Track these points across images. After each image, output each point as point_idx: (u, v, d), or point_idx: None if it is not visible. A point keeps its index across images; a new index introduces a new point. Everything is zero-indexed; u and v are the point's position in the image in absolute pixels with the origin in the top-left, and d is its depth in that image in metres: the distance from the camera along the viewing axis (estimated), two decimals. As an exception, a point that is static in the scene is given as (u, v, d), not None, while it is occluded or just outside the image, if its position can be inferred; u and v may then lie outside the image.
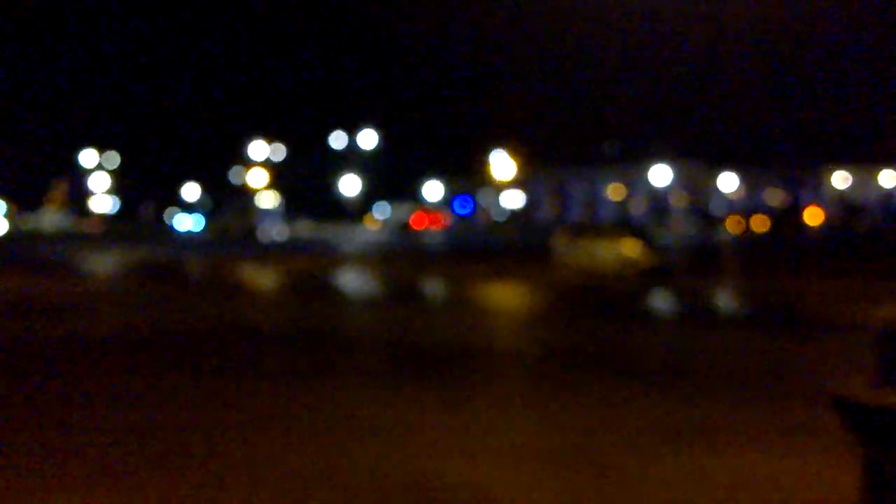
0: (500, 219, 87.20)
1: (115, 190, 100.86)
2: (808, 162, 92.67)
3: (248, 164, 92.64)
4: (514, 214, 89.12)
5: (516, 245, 53.49)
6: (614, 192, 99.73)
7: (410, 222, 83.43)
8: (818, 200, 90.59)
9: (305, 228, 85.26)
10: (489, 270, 34.78)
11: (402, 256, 44.60)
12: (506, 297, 26.89)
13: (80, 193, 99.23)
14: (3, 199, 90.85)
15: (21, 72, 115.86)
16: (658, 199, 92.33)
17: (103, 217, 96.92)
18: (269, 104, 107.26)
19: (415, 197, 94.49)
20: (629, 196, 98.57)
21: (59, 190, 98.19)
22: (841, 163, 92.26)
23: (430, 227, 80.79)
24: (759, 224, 71.40)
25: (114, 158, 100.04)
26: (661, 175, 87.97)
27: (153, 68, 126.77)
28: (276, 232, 76.44)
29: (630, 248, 35.07)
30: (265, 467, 8.14)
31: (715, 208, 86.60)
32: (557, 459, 8.49)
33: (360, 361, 14.66)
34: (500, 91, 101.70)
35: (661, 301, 24.91)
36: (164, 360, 14.28)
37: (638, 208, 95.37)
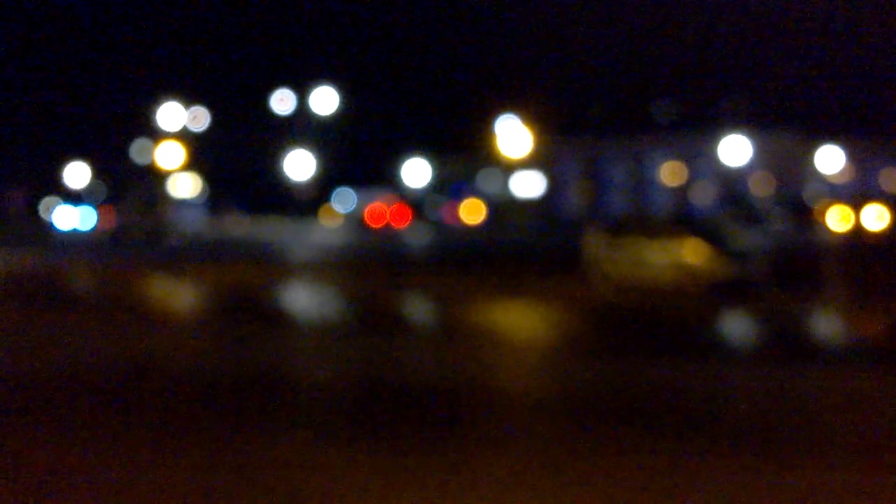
0: (509, 210, 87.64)
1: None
2: None
3: (156, 136, 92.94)
4: (530, 204, 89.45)
5: (533, 247, 53.63)
6: (670, 173, 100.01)
7: (366, 217, 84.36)
8: None
9: (237, 224, 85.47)
10: (496, 283, 34.89)
11: (374, 264, 44.76)
12: (519, 321, 27.02)
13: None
14: None
15: None
16: (732, 184, 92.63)
17: None
18: (185, 55, 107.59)
19: (391, 182, 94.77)
20: (691, 179, 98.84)
21: None
22: None
23: (393, 225, 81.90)
24: (874, 218, 71.60)
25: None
26: (736, 150, 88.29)
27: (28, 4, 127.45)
28: (194, 229, 76.64)
29: (693, 253, 35.01)
30: None
31: (812, 196, 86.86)
32: None
33: (313, 412, 15.00)
34: (509, 35, 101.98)
35: (737, 328, 25.04)
36: (30, 417, 14.46)
37: (703, 196, 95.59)
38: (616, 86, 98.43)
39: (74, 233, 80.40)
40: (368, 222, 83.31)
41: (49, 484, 11.06)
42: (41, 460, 11.96)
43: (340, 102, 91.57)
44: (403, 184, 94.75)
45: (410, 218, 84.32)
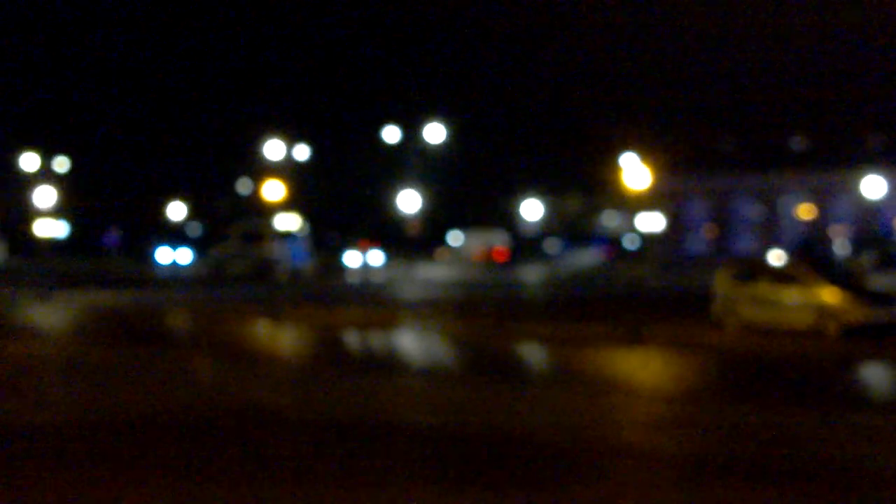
0: (631, 249, 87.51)
1: (66, 207, 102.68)
2: None
3: (261, 171, 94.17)
4: (652, 242, 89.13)
5: (655, 290, 53.43)
6: (804, 211, 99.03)
7: (476, 255, 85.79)
8: None
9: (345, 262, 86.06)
10: (616, 329, 34.85)
11: (485, 304, 44.80)
12: (642, 370, 26.93)
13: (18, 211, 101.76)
14: None
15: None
16: (870, 222, 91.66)
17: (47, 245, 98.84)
18: (287, 89, 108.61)
19: (505, 221, 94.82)
20: (826, 217, 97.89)
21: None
22: None
23: (498, 260, 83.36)
24: None
25: (63, 164, 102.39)
26: (874, 187, 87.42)
27: (125, 45, 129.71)
28: (299, 266, 77.23)
29: (829, 295, 34.71)
30: None
31: None
32: None
33: (428, 460, 15.00)
34: (627, 65, 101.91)
35: (877, 374, 24.94)
36: (136, 460, 14.64)
37: (840, 235, 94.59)
38: (747, 120, 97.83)
39: (174, 268, 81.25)
40: (478, 259, 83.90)
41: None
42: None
43: (450, 137, 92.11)
44: (518, 221, 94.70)
45: (511, 255, 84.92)
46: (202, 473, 13.74)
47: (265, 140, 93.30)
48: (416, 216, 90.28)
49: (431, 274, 75.33)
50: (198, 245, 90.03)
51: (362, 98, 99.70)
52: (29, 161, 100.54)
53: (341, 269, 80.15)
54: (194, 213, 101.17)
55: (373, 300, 48.48)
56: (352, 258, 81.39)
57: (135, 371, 24.46)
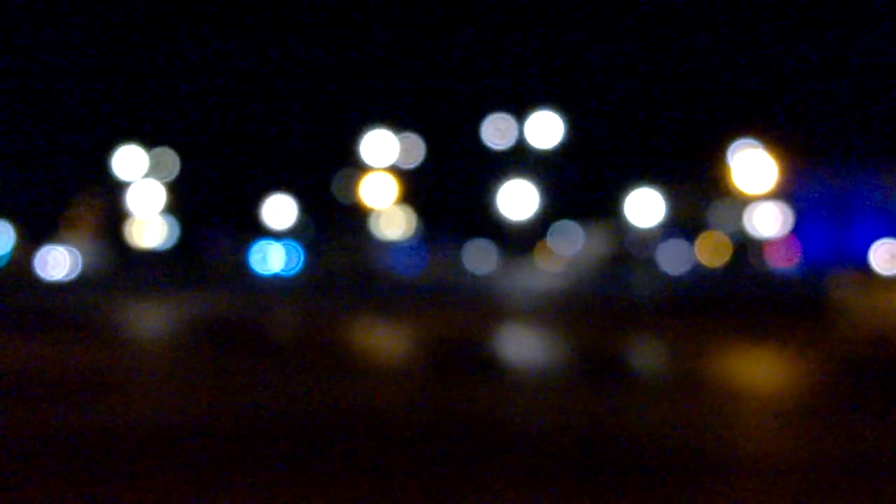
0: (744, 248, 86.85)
1: (171, 210, 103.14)
2: None
3: (363, 169, 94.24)
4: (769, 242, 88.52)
5: (775, 289, 53.16)
6: None
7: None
8: None
9: (451, 264, 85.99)
10: (735, 329, 34.83)
11: (600, 310, 44.82)
12: (760, 372, 26.97)
13: (115, 213, 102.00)
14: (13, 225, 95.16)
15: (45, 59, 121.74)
16: None
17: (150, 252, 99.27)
18: (393, 82, 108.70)
19: (616, 216, 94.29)
20: None
21: (87, 208, 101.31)
22: None
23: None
24: None
25: (168, 161, 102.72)
26: None
27: (223, 39, 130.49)
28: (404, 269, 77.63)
29: None
30: None
31: None
32: None
33: (532, 464, 15.02)
34: (743, 53, 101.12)
35: None
36: (247, 461, 14.82)
37: None
38: (868, 116, 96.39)
39: (280, 272, 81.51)
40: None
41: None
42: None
43: (565, 131, 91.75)
44: (629, 218, 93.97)
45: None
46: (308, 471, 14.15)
47: (370, 134, 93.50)
48: (528, 217, 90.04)
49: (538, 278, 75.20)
50: (305, 249, 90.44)
51: (470, 92, 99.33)
52: (127, 161, 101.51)
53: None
54: (301, 217, 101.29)
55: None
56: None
57: (247, 375, 24.90)
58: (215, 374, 26.03)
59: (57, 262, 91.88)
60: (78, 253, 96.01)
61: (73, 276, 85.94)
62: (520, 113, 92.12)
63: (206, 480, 13.87)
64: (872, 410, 20.65)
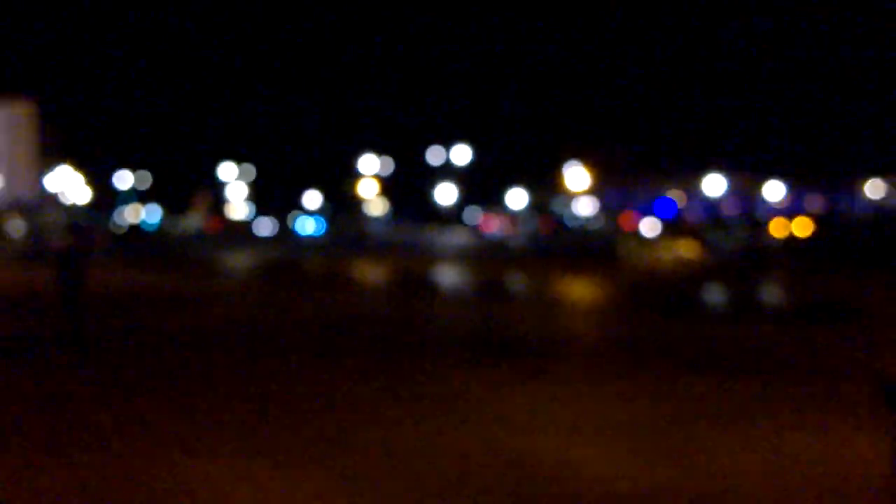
0: (572, 224, 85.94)
1: (251, 198, 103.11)
2: (844, 172, 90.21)
3: (359, 176, 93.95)
4: (587, 220, 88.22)
5: (589, 248, 51.82)
6: (675, 199, 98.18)
7: (480, 226, 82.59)
8: (856, 207, 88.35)
9: (407, 231, 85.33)
10: (567, 267, 34.19)
11: (492, 257, 43.61)
12: (580, 291, 26.37)
13: (219, 201, 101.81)
14: (159, 205, 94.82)
15: (170, 96, 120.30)
16: (712, 207, 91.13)
17: (226, 221, 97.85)
18: (380, 123, 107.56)
19: (501, 204, 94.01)
20: (687, 203, 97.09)
21: (202, 197, 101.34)
22: (877, 173, 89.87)
23: (492, 230, 79.95)
24: (802, 227, 69.77)
25: (250, 171, 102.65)
26: (715, 185, 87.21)
27: (282, 94, 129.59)
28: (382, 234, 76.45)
29: (688, 249, 35.06)
30: (376, 444, 7.87)
31: (761, 214, 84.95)
32: (626, 432, 8.28)
33: (451, 348, 14.32)
34: (580, 113, 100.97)
35: (717, 296, 23.97)
36: (288, 348, 14.13)
37: (694, 214, 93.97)
38: (642, 145, 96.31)
39: (311, 237, 79.39)
40: (481, 228, 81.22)
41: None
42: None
43: (473, 154, 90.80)
44: (507, 206, 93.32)
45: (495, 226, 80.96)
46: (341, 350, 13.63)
47: (364, 158, 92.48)
48: (450, 204, 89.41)
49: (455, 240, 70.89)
50: (327, 221, 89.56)
51: (419, 131, 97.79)
52: (227, 171, 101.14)
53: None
54: (324, 202, 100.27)
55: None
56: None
57: (290, 294, 23.95)
58: (269, 293, 24.92)
59: (183, 227, 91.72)
60: (196, 221, 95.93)
61: (192, 234, 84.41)
62: (448, 144, 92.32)
63: (261, 358, 13.21)
64: (642, 308, 20.37)
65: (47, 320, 16.15)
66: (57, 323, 15.01)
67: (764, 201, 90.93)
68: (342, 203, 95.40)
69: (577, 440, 7.91)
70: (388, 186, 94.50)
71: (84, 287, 14.68)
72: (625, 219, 77.14)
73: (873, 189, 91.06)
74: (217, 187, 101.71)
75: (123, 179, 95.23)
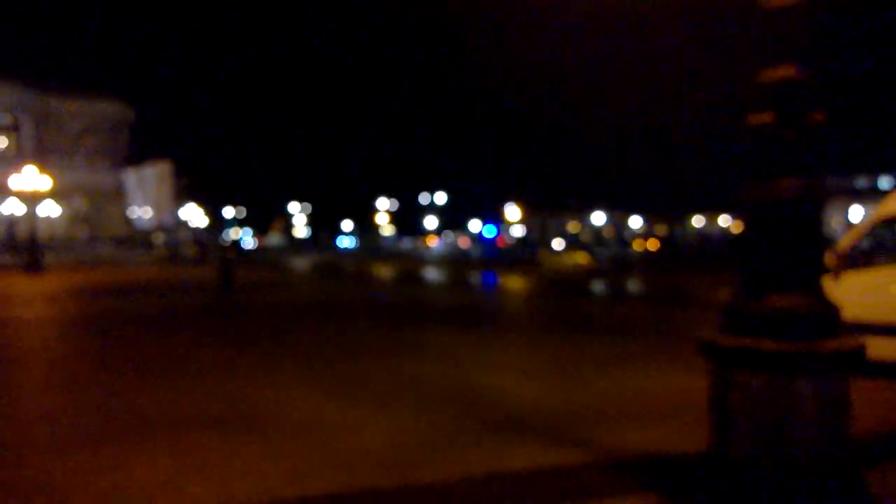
0: (511, 241, 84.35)
1: (309, 223, 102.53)
2: (680, 209, 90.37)
3: (376, 210, 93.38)
4: (519, 240, 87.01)
5: (516, 257, 49.92)
6: (573, 227, 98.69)
7: (427, 240, 78.51)
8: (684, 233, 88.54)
9: (406, 245, 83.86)
10: (508, 269, 32.65)
11: (452, 263, 42.10)
12: (516, 283, 24.21)
13: (288, 225, 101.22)
14: (249, 227, 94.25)
15: (259, 156, 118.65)
16: (597, 232, 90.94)
17: (294, 238, 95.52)
18: (389, 176, 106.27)
19: (466, 229, 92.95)
20: (582, 229, 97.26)
21: (278, 223, 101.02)
22: (700, 210, 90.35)
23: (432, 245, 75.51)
24: (653, 244, 70.37)
25: (307, 207, 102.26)
26: (599, 218, 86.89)
27: (329, 156, 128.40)
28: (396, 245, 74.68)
29: (582, 258, 35.19)
30: (363, 381, 7.27)
31: (627, 235, 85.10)
32: (539, 370, 7.96)
33: (429, 317, 13.39)
34: (516, 172, 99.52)
35: (600, 287, 23.15)
36: (335, 316, 13.16)
37: (587, 237, 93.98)
38: (555, 191, 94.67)
39: (347, 249, 76.19)
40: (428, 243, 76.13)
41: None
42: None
43: (448, 197, 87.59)
44: (469, 230, 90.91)
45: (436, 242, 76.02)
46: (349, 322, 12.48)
47: (378, 200, 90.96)
48: (431, 228, 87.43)
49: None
50: (356, 239, 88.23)
51: (414, 175, 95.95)
52: (293, 206, 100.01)
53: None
54: (354, 227, 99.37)
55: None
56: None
57: (326, 284, 22.18)
58: (324, 282, 23.63)
59: (265, 242, 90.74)
60: (275, 239, 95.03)
61: (270, 247, 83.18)
62: (432, 191, 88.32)
63: (298, 322, 12.31)
64: (551, 299, 18.09)
65: (206, 298, 16.36)
66: (213, 300, 15.75)
67: (629, 227, 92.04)
68: (366, 227, 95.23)
69: (510, 375, 7.66)
70: (395, 217, 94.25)
71: (233, 278, 17.95)
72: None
73: (698, 221, 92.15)
74: (287, 217, 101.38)
75: (228, 211, 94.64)
